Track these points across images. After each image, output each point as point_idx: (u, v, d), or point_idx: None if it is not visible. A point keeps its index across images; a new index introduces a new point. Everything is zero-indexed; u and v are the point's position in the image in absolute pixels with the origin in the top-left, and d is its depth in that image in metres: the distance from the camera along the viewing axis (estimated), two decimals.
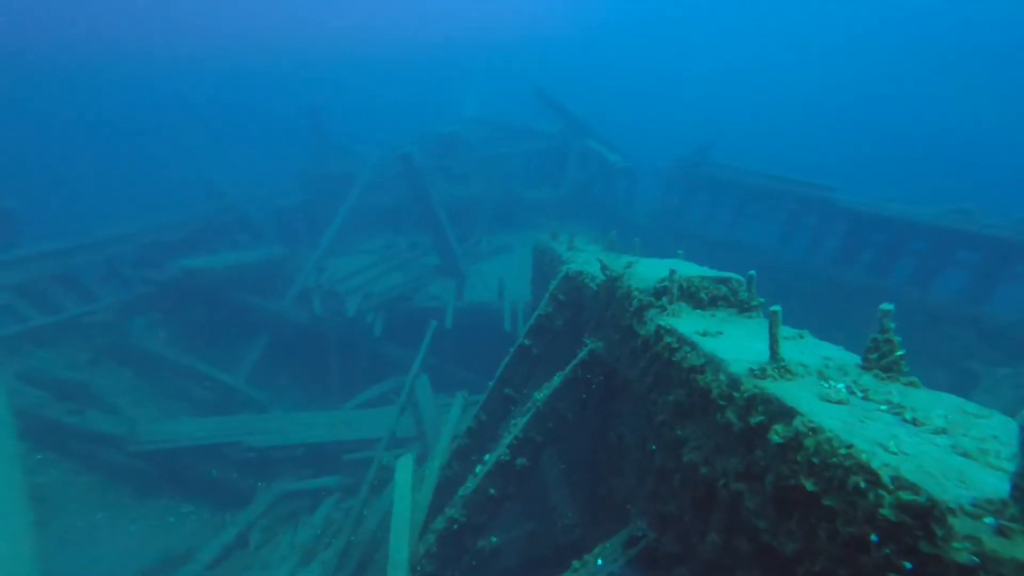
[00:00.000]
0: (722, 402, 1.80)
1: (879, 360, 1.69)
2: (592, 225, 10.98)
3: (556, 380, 3.38)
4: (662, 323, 2.45)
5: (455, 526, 3.38)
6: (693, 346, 2.14)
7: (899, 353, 1.68)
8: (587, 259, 4.56)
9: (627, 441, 2.94)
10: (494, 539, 3.96)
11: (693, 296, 2.69)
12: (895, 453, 1.23)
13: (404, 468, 4.08)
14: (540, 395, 3.39)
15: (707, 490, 1.91)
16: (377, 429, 7.59)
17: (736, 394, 1.74)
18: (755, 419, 1.61)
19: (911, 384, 1.65)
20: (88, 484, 6.82)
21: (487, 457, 3.56)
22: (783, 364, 1.71)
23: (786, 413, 1.51)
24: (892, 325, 1.67)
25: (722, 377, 1.86)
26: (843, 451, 1.27)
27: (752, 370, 1.74)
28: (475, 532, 3.41)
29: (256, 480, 7.25)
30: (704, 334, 2.20)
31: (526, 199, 14.20)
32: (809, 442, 1.36)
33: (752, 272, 2.56)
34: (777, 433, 1.47)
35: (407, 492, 3.87)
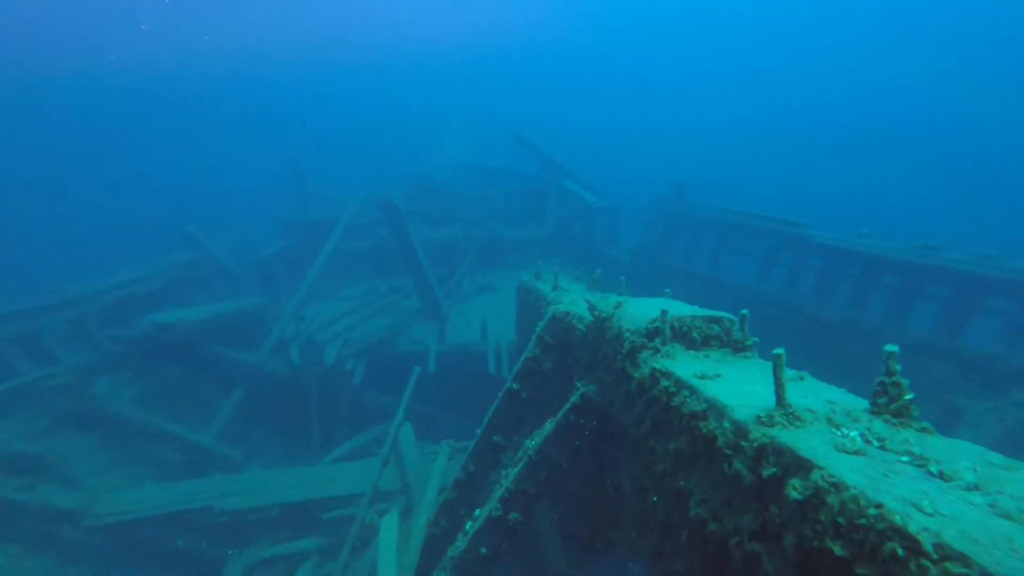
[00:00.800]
0: (729, 451, 1.69)
1: (888, 405, 1.61)
2: (575, 263, 11.01)
3: (548, 426, 3.24)
4: (657, 366, 2.37)
5: None
6: (692, 390, 2.05)
7: (908, 397, 1.60)
8: (573, 299, 4.50)
9: (625, 490, 2.78)
10: None
11: (685, 336, 2.62)
12: (931, 515, 1.12)
13: (388, 528, 3.81)
14: (532, 443, 3.23)
15: (718, 549, 1.76)
16: (359, 484, 7.21)
17: (744, 443, 1.63)
18: (768, 471, 1.50)
19: (924, 430, 1.56)
20: (37, 568, 6.25)
21: (477, 512, 3.35)
22: (791, 410, 1.62)
23: (802, 465, 1.41)
24: (899, 367, 1.60)
25: (727, 424, 1.75)
26: (872, 511, 1.16)
27: (759, 417, 1.64)
28: None
29: (228, 548, 6.75)
30: (702, 377, 2.11)
31: (508, 239, 14.30)
32: (832, 499, 1.25)
33: (745, 311, 2.51)
34: (795, 488, 1.36)
35: (392, 555, 3.60)
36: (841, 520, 1.22)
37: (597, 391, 3.16)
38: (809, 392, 1.87)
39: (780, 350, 1.63)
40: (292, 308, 10.97)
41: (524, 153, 16.90)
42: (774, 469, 1.49)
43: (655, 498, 2.32)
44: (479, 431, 4.07)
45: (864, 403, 1.73)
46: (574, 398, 3.19)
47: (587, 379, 3.35)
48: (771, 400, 1.72)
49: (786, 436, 1.53)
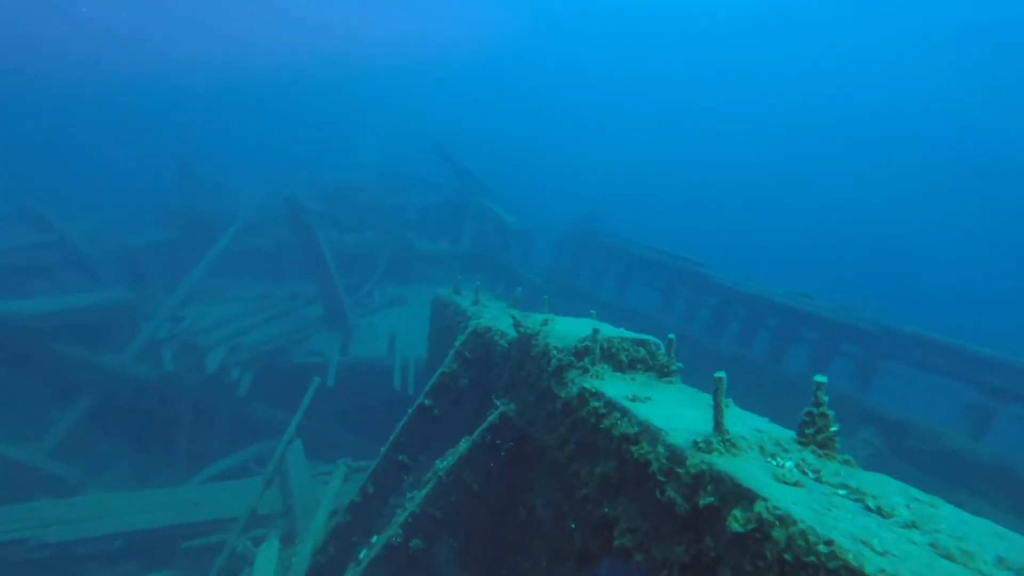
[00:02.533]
0: (662, 478, 1.63)
1: (815, 435, 1.64)
2: (488, 281, 10.98)
3: (462, 446, 3.04)
4: (587, 385, 2.30)
5: None
6: (624, 412, 1.99)
7: (834, 428, 1.65)
8: (494, 315, 4.38)
9: (540, 516, 2.66)
10: None
11: (613, 358, 2.59)
12: (882, 554, 1.10)
13: (266, 556, 3.34)
14: (443, 463, 3.01)
15: None
16: (233, 507, 6.37)
17: (680, 470, 1.57)
18: (704, 500, 1.44)
19: (847, 463, 1.59)
20: None
21: (374, 539, 3.03)
22: (728, 437, 1.58)
23: (742, 495, 1.36)
24: (826, 398, 1.65)
25: (660, 449, 1.70)
26: (822, 548, 1.11)
27: (696, 443, 1.60)
28: None
29: None
30: (633, 399, 2.06)
31: (422, 251, 13.94)
32: (778, 534, 1.20)
33: (671, 336, 2.54)
34: (736, 520, 1.30)
35: None
36: (788, 556, 1.17)
37: (517, 410, 3.04)
38: (736, 419, 1.88)
39: (721, 373, 1.62)
40: (169, 307, 9.68)
41: (442, 166, 16.73)
42: (712, 499, 1.44)
43: (573, 525, 2.22)
44: (383, 449, 3.75)
45: (789, 433, 1.77)
46: (492, 417, 3.04)
47: (507, 397, 3.22)
48: (704, 425, 1.70)
49: (725, 463, 1.49)
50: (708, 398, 2.18)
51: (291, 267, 12.25)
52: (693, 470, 1.52)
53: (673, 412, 1.94)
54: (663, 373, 2.55)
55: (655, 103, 56.29)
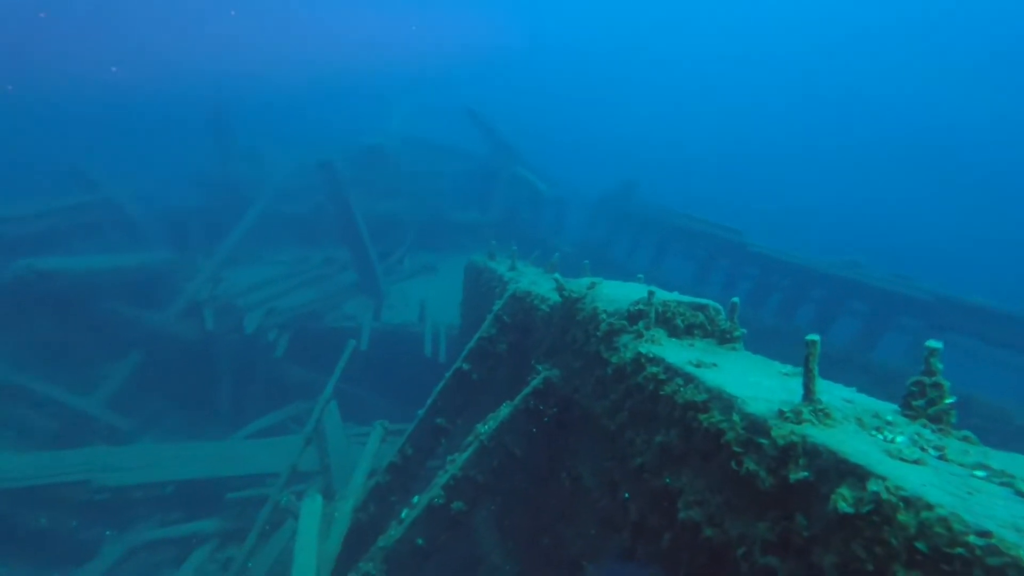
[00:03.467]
0: (738, 449, 1.49)
1: (926, 408, 1.45)
2: (520, 250, 10.82)
3: (504, 411, 2.97)
4: (643, 350, 2.16)
5: None
6: (688, 378, 1.85)
7: (949, 400, 1.46)
8: (533, 279, 4.26)
9: (586, 484, 2.58)
10: None
11: (668, 322, 2.44)
12: None
13: (310, 511, 3.39)
14: (484, 428, 2.95)
15: (713, 557, 1.57)
16: (273, 463, 6.59)
17: (764, 440, 1.42)
18: (796, 474, 1.30)
19: (967, 439, 1.40)
20: None
21: (415, 499, 3.02)
22: (821, 407, 1.41)
23: (848, 471, 1.20)
24: (940, 366, 1.47)
25: (736, 418, 1.55)
26: (974, 540, 0.93)
27: (782, 412, 1.44)
28: None
29: (105, 528, 5.91)
30: (698, 365, 1.92)
31: (453, 220, 13.83)
32: (905, 518, 1.04)
33: (736, 299, 2.36)
34: (844, 499, 1.15)
35: (312, 541, 3.19)
36: (921, 545, 1.01)
37: (561, 376, 2.94)
38: (821, 389, 1.71)
39: (815, 336, 1.45)
40: (210, 268, 9.91)
41: (474, 134, 16.41)
42: (804, 473, 1.29)
43: (627, 495, 2.12)
44: (421, 412, 3.74)
45: (888, 405, 1.59)
46: (535, 382, 2.95)
47: (549, 363, 3.12)
48: (784, 394, 1.55)
49: (821, 435, 1.33)
50: (780, 366, 2.02)
51: (325, 232, 12.34)
52: (781, 441, 1.37)
53: (744, 379, 1.79)
54: (724, 339, 2.38)
55: (691, 74, 53.96)
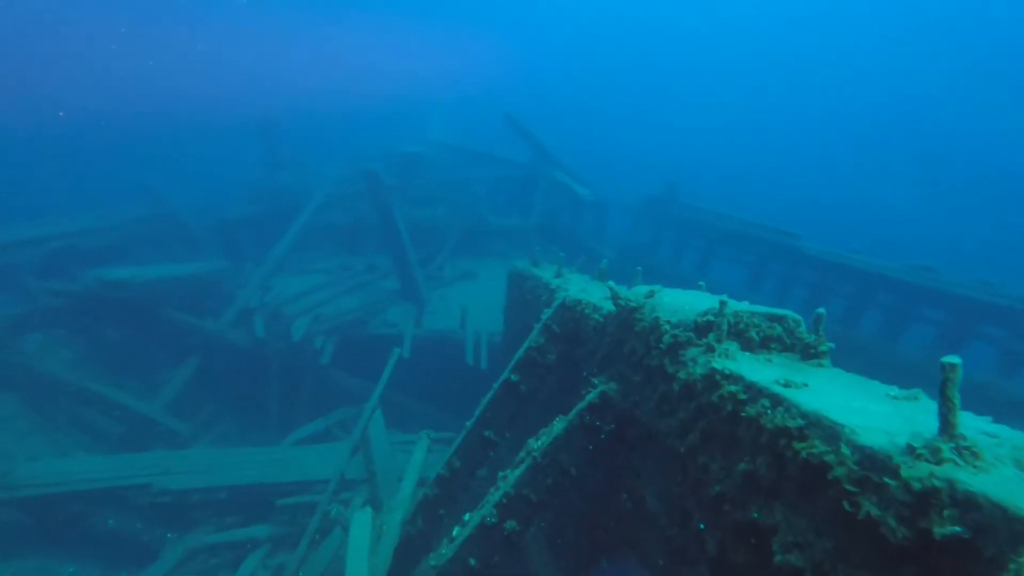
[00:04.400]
0: (851, 488, 1.30)
1: None
2: (568, 256, 10.69)
3: (557, 426, 2.83)
4: (718, 366, 1.98)
5: None
6: (777, 400, 1.66)
7: None
8: (582, 287, 4.11)
9: (651, 509, 2.41)
10: None
11: (741, 335, 2.24)
12: None
13: (360, 525, 3.35)
14: (537, 443, 2.82)
15: None
16: (319, 470, 6.68)
17: (891, 482, 1.23)
18: (943, 529, 1.10)
19: None
20: None
21: (466, 516, 2.92)
22: (966, 444, 1.20)
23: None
24: None
25: (845, 450, 1.35)
26: None
27: (911, 447, 1.23)
28: None
29: (166, 531, 6.11)
30: (787, 384, 1.72)
31: (492, 226, 13.80)
32: None
33: (822, 310, 2.14)
34: None
35: (363, 554, 3.14)
36: None
37: (619, 390, 2.77)
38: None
39: (955, 359, 1.24)
40: (259, 277, 10.23)
41: (512, 140, 16.38)
42: (956, 528, 1.09)
43: (702, 526, 1.94)
44: (468, 424, 3.64)
45: None
46: (591, 396, 2.79)
47: (604, 376, 2.96)
48: (903, 422, 1.34)
49: (975, 481, 1.12)
50: (883, 387, 1.78)
51: (368, 240, 12.56)
52: (917, 485, 1.16)
53: (847, 403, 1.58)
54: (808, 354, 2.15)
55: (734, 77, 52.49)
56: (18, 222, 9.25)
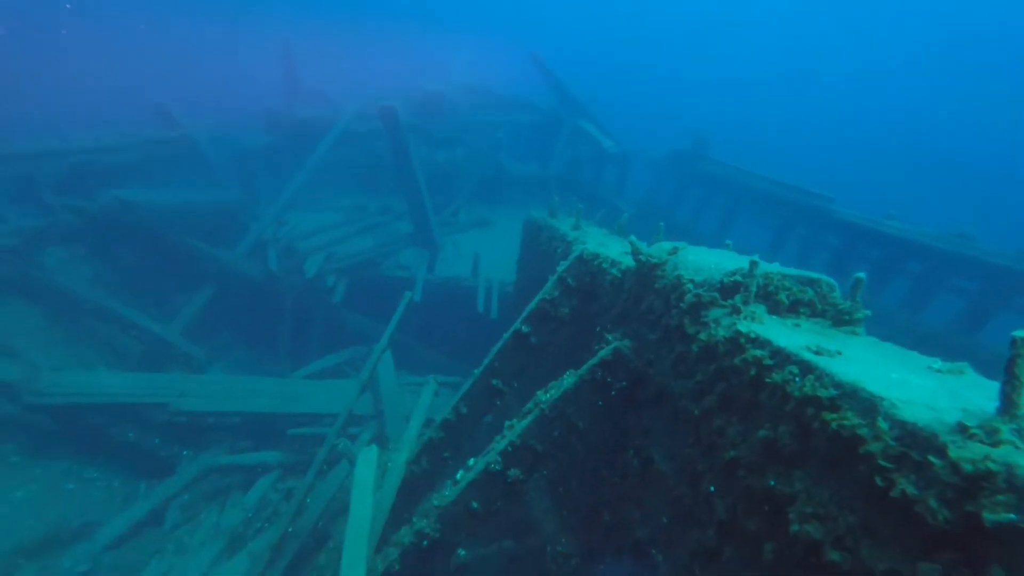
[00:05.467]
0: (886, 464, 1.21)
1: None
2: (587, 209, 10.41)
3: (567, 380, 2.79)
4: (743, 329, 1.87)
5: (425, 542, 2.76)
6: (807, 367, 1.56)
7: None
8: (600, 241, 3.97)
9: (659, 468, 2.38)
10: (462, 552, 3.36)
11: (770, 297, 2.12)
12: None
13: (366, 462, 3.41)
14: (546, 396, 2.79)
15: None
16: (330, 404, 6.84)
17: (936, 461, 1.13)
18: (996, 516, 1.02)
19: None
20: None
21: (471, 462, 2.94)
22: None
23: None
24: None
25: (883, 425, 1.27)
26: None
27: (963, 425, 1.14)
28: (448, 551, 2.81)
29: (181, 449, 6.37)
30: (818, 352, 1.62)
31: (511, 174, 13.44)
32: None
33: (862, 274, 2.00)
34: None
35: (368, 491, 3.21)
36: None
37: (633, 347, 2.70)
38: (995, 394, 1.37)
39: (1022, 332, 1.12)
40: (274, 211, 10.15)
41: (537, 84, 15.67)
42: (1011, 516, 1.01)
43: (712, 489, 1.90)
44: (476, 372, 3.63)
45: None
46: (604, 352, 2.72)
47: (619, 332, 2.88)
48: (951, 398, 1.24)
49: None
50: (923, 358, 1.67)
51: (383, 180, 12.33)
52: (968, 467, 1.07)
53: (885, 374, 1.47)
54: (841, 320, 2.03)
55: (770, 26, 49.11)
56: (39, 134, 9.13)
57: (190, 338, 8.41)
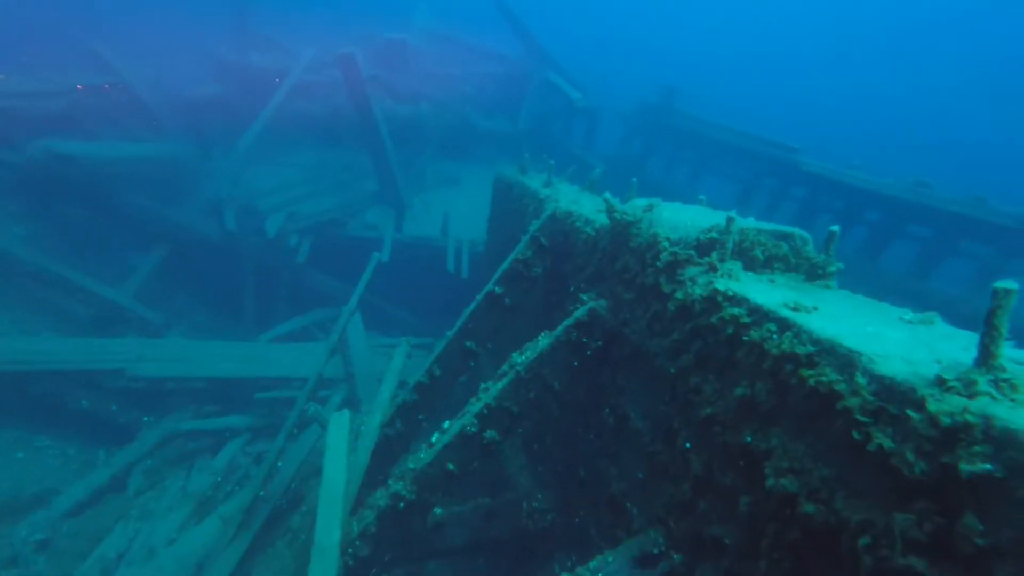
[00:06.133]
0: (863, 418, 1.23)
1: None
2: (558, 165, 10.20)
3: (543, 341, 2.76)
4: (720, 287, 1.86)
5: (401, 504, 2.77)
6: (784, 324, 1.56)
7: None
8: (573, 198, 3.89)
9: (635, 426, 2.41)
10: (438, 511, 3.40)
11: (745, 253, 2.11)
12: None
13: (338, 426, 3.36)
14: (521, 358, 2.76)
15: (813, 538, 1.35)
16: (298, 367, 6.72)
17: (914, 414, 1.14)
18: (971, 467, 1.03)
19: None
20: None
21: (446, 424, 2.93)
22: (1006, 376, 1.11)
23: None
24: None
25: (860, 379, 1.27)
26: None
27: (941, 378, 1.15)
28: (424, 512, 2.82)
29: (141, 414, 6.16)
30: (795, 308, 1.62)
31: (479, 129, 13.02)
32: None
33: (836, 227, 1.99)
34: None
35: (342, 457, 3.17)
36: None
37: (609, 307, 2.68)
38: (967, 344, 1.38)
39: (1009, 283, 1.11)
40: (229, 167, 9.56)
41: (504, 33, 14.99)
42: (987, 466, 1.03)
43: (688, 445, 1.93)
44: (450, 333, 3.57)
45: None
46: (579, 313, 2.70)
47: (594, 292, 2.85)
48: (926, 351, 1.25)
49: (1017, 418, 1.03)
50: (894, 309, 1.69)
51: (346, 135, 11.74)
52: (946, 420, 1.08)
53: (860, 328, 1.48)
54: (815, 274, 2.04)
55: None
56: None
57: (144, 301, 8.00)
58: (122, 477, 5.50)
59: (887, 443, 1.16)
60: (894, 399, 1.19)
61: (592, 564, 2.02)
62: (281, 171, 10.26)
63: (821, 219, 8.85)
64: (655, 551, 1.97)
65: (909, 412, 1.15)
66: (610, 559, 2.00)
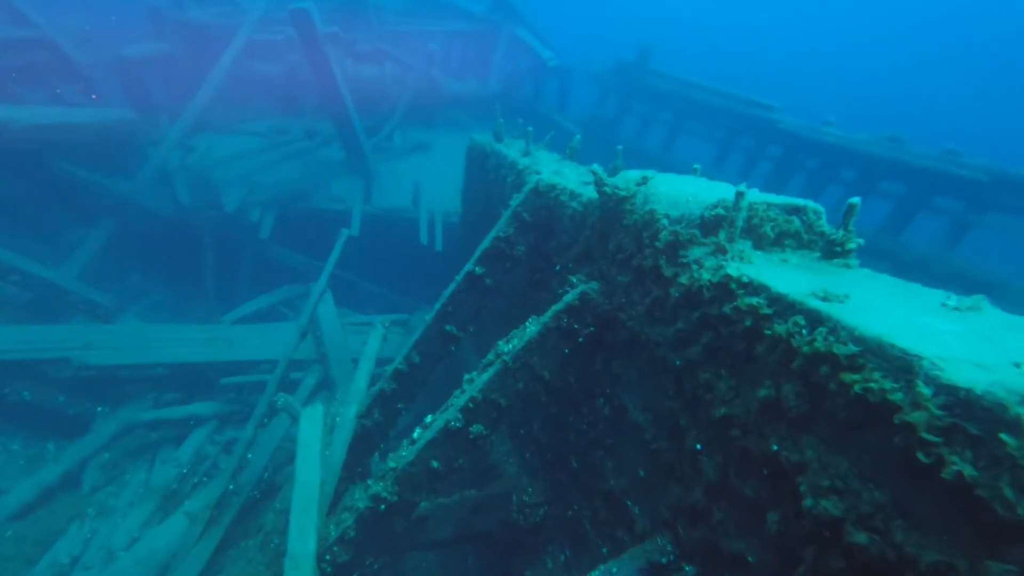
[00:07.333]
0: (931, 437, 1.05)
1: None
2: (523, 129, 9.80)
3: (531, 329, 2.55)
4: (733, 272, 1.66)
5: (382, 506, 2.58)
6: (816, 318, 1.37)
7: None
8: (555, 168, 3.62)
9: (632, 418, 2.25)
10: (422, 504, 3.24)
11: (754, 231, 1.91)
12: None
13: (311, 422, 3.12)
14: (508, 347, 2.55)
15: (862, 570, 1.18)
16: (266, 349, 6.37)
17: (1010, 440, 0.94)
18: None
19: None
20: None
21: (428, 419, 2.72)
22: None
23: None
24: None
25: (923, 390, 1.08)
26: None
27: None
28: (408, 513, 2.65)
29: (94, 405, 5.74)
30: (825, 298, 1.43)
31: (447, 91, 12.38)
32: None
33: (856, 199, 1.79)
34: None
35: (315, 458, 2.95)
36: None
37: (601, 290, 2.47)
38: None
39: None
40: (177, 133, 8.82)
41: None
42: None
43: (699, 446, 1.77)
44: (428, 317, 3.32)
45: None
46: (570, 297, 2.48)
47: (583, 273, 2.63)
48: (995, 350, 1.07)
49: None
50: (931, 292, 1.50)
51: (305, 99, 10.99)
52: None
53: (906, 321, 1.28)
54: (832, 252, 1.85)
55: None
56: None
57: (93, 283, 7.42)
58: (76, 473, 5.14)
59: (969, 471, 0.99)
60: (973, 416, 1.01)
61: (596, 572, 1.88)
62: (237, 139, 9.55)
63: (795, 178, 8.76)
64: (664, 560, 1.84)
65: (1004, 437, 0.97)
66: (615, 570, 1.86)
